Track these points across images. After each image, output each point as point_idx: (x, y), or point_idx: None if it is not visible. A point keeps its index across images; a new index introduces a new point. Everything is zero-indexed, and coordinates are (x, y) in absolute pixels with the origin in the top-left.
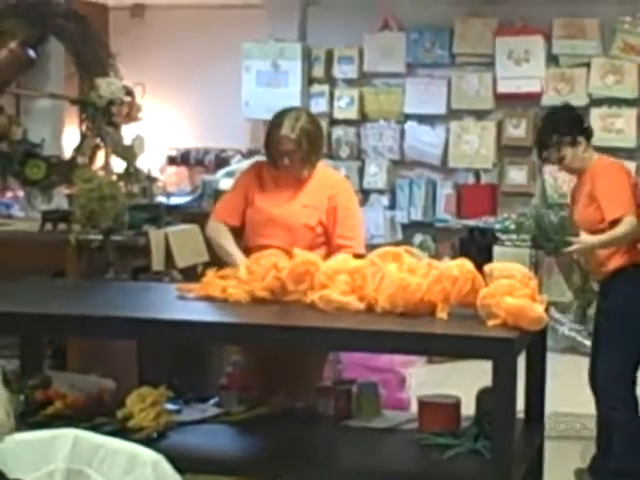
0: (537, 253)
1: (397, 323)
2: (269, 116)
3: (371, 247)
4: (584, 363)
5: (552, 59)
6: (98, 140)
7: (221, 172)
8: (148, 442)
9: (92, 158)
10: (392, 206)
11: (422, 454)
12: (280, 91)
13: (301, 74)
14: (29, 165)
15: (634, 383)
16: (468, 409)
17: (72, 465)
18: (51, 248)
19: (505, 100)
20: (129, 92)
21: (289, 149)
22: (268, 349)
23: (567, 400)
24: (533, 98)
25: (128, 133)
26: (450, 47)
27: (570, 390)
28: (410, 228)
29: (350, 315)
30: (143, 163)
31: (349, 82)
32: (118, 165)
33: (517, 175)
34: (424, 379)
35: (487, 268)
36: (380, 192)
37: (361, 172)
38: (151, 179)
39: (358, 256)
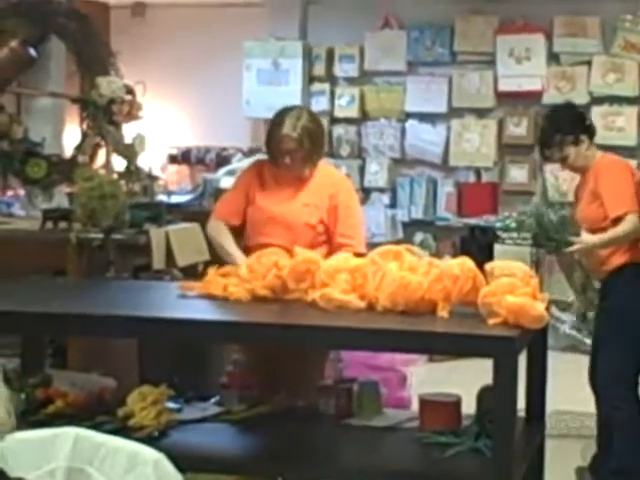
0: (538, 251)
1: (398, 322)
2: (270, 114)
3: (372, 246)
4: (585, 362)
5: (553, 57)
6: (99, 139)
7: (222, 171)
8: (149, 441)
9: (93, 157)
10: (393, 204)
11: (423, 453)
12: (281, 89)
13: (302, 72)
14: (30, 164)
15: (636, 383)
16: (469, 408)
17: (73, 464)
18: (52, 247)
19: (506, 98)
20: (130, 91)
21: (290, 148)
22: (269, 348)
23: (568, 399)
24: (534, 96)
25: (129, 132)
26: (451, 45)
27: (571, 389)
28: (411, 227)
29: (351, 314)
30: (144, 162)
31: (350, 80)
32: (119, 164)
33: (518, 173)
34: (425, 377)
35: (488, 266)
36: (381, 190)
37: (362, 170)
38: (152, 178)
39: (359, 255)
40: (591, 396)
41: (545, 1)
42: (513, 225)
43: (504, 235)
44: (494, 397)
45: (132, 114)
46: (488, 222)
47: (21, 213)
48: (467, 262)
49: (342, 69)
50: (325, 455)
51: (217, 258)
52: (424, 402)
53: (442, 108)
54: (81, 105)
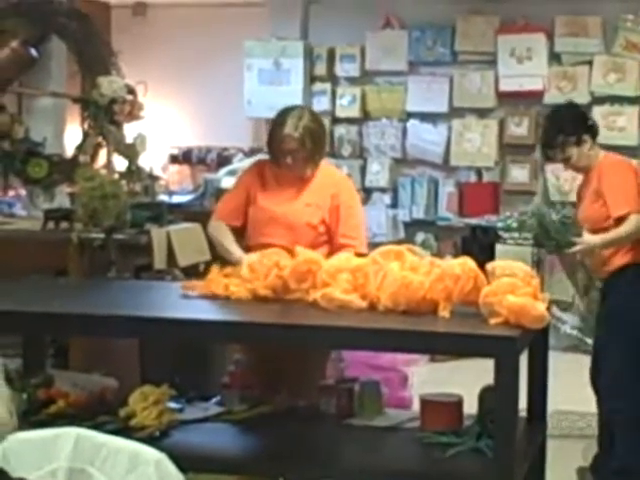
0: (539, 251)
1: (399, 321)
2: (271, 114)
3: (373, 245)
4: (586, 361)
5: (554, 57)
6: (100, 139)
7: (223, 171)
8: (150, 441)
9: (94, 157)
10: (394, 204)
11: (424, 453)
12: (282, 89)
13: (303, 72)
14: (31, 164)
15: (637, 383)
16: (470, 408)
17: (74, 464)
18: (53, 247)
19: (507, 98)
20: (131, 90)
21: (292, 148)
22: (270, 348)
23: (569, 398)
24: (535, 96)
25: (130, 131)
26: (452, 45)
27: (572, 388)
28: (412, 226)
29: (352, 313)
30: (145, 161)
31: (351, 80)
32: (120, 164)
33: (519, 173)
34: (426, 377)
35: (489, 266)
36: (382, 190)
37: (363, 170)
38: (153, 178)
39: (360, 255)
40: (592, 396)
41: (546, 1)
42: (514, 225)
43: (505, 235)
44: (495, 397)
45: (133, 114)
46: (489, 222)
47: (22, 213)
48: (468, 262)
49: (343, 69)
50: (326, 455)
51: (218, 258)
52: (425, 402)
53: (443, 108)
54: (82, 105)
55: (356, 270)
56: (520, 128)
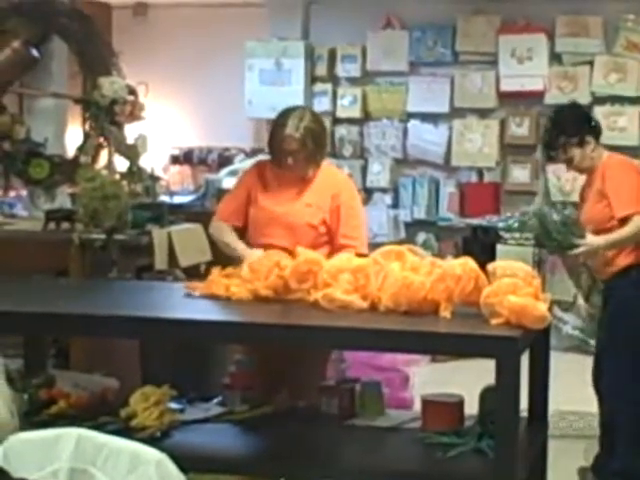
0: (540, 252)
1: (400, 322)
2: (272, 115)
3: (374, 246)
4: (587, 362)
5: (555, 57)
6: (101, 139)
7: (224, 171)
8: (151, 441)
9: (95, 157)
10: (395, 205)
11: (425, 453)
12: (283, 90)
13: (304, 73)
14: (32, 164)
15: (638, 383)
16: (471, 408)
17: (76, 464)
18: (54, 247)
19: (508, 98)
20: (132, 91)
21: (293, 148)
22: (271, 348)
23: (570, 399)
24: (536, 96)
25: (131, 132)
26: (453, 45)
27: (573, 389)
28: (413, 227)
29: (353, 314)
30: (146, 162)
31: (352, 81)
32: (121, 164)
33: (520, 174)
34: (427, 378)
35: (490, 267)
36: (383, 191)
37: (364, 171)
38: (154, 178)
39: (361, 255)
40: (593, 396)
41: (547, 1)
42: (515, 225)
43: (506, 235)
44: (497, 397)
45: (134, 114)
46: (490, 222)
47: (24, 214)
48: (469, 262)
49: (344, 69)
50: (328, 455)
51: (219, 258)
52: (427, 402)
53: (444, 108)
54: (83, 105)
55: (357, 270)
56: (521, 128)
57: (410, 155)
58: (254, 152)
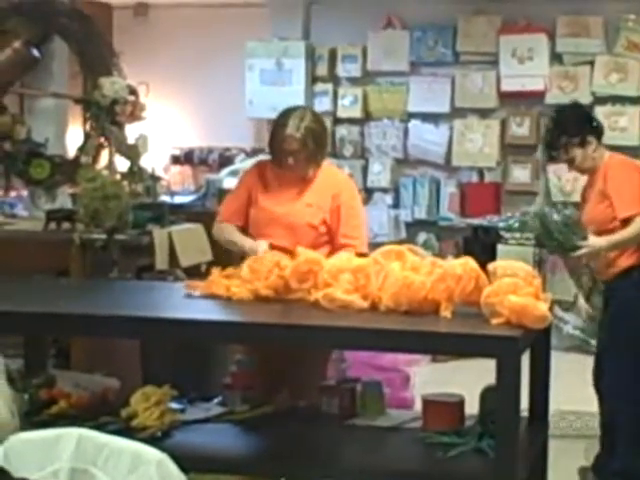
0: (541, 251)
1: (401, 322)
2: (273, 115)
3: (375, 246)
4: (588, 362)
5: (556, 57)
6: (102, 139)
7: (225, 171)
8: (152, 441)
9: (96, 157)
10: (396, 205)
11: (426, 453)
12: (284, 90)
13: (305, 73)
14: (33, 164)
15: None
16: (472, 408)
17: (77, 464)
18: (55, 247)
19: (509, 98)
20: (133, 91)
21: (294, 148)
22: (272, 348)
23: (571, 398)
24: (537, 96)
25: (132, 132)
26: (454, 45)
27: (574, 388)
28: (414, 227)
29: (354, 314)
30: (147, 162)
31: (353, 81)
32: (122, 164)
33: (521, 174)
34: (428, 378)
35: (491, 266)
36: (384, 191)
37: (365, 171)
38: (155, 178)
39: (361, 255)
40: (594, 396)
41: (548, 1)
42: (516, 225)
43: (507, 235)
44: (497, 397)
45: (135, 115)
46: (491, 222)
47: (24, 214)
48: (470, 262)
49: (345, 69)
50: (328, 455)
51: (220, 258)
52: (427, 402)
53: (445, 108)
54: (84, 106)
55: (357, 270)
56: (522, 128)
57: (411, 155)
58: (255, 152)
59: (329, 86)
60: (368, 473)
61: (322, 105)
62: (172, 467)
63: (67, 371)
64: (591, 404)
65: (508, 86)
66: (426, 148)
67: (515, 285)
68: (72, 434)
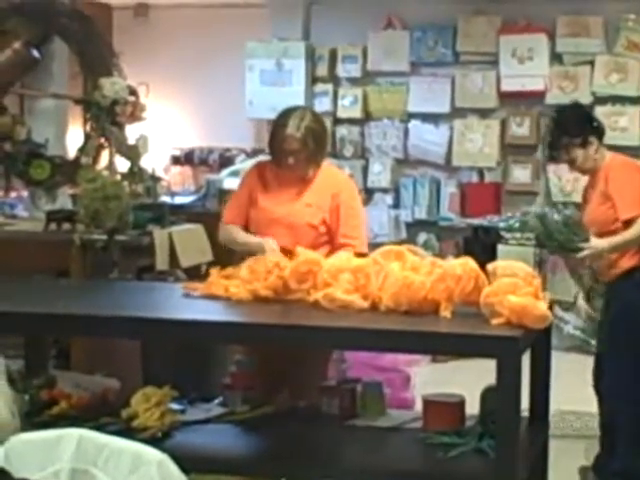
0: (541, 252)
1: (401, 322)
2: (273, 115)
3: (375, 246)
4: (589, 362)
5: (556, 57)
6: (102, 140)
7: (225, 171)
8: (153, 442)
9: (96, 158)
10: (396, 205)
11: (426, 453)
12: (284, 90)
13: (305, 73)
14: (33, 165)
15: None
16: (472, 408)
17: (77, 465)
18: (55, 248)
19: (509, 98)
20: (133, 92)
21: (294, 148)
22: (272, 348)
23: (572, 399)
24: (537, 96)
25: (132, 133)
26: (454, 45)
27: (575, 389)
28: (414, 227)
29: (354, 314)
30: (147, 163)
31: (353, 81)
32: (122, 165)
33: (521, 174)
34: (428, 378)
35: (490, 266)
36: (384, 191)
37: (365, 171)
38: (155, 179)
39: (360, 255)
40: (594, 396)
41: (548, 1)
42: (516, 225)
43: (507, 235)
44: (498, 397)
45: (135, 115)
46: (491, 222)
47: (24, 214)
48: (469, 262)
49: (345, 69)
50: (329, 455)
51: (220, 259)
52: (428, 402)
53: (445, 108)
54: (84, 106)
55: (357, 270)
56: (522, 128)
57: (411, 155)
58: (255, 152)
59: (329, 86)
60: (368, 473)
61: (322, 105)
62: (173, 467)
63: (67, 372)
64: (591, 404)
65: (508, 86)
66: (426, 148)
67: (514, 285)
68: (73, 435)
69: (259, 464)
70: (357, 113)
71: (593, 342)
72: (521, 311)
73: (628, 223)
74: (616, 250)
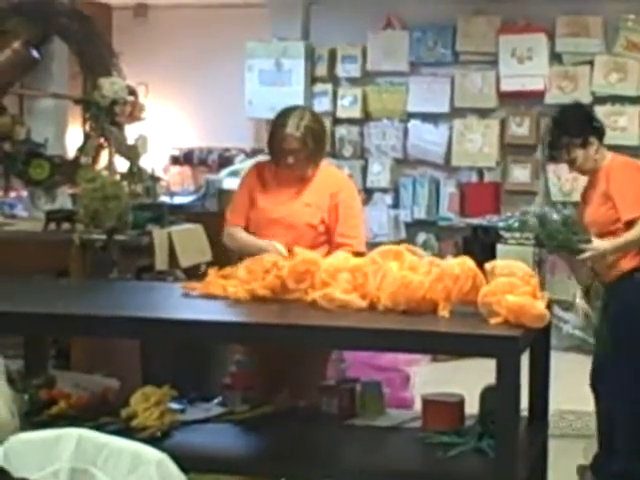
0: (540, 251)
1: (400, 321)
2: (272, 115)
3: (374, 246)
4: (588, 361)
5: (555, 57)
6: (101, 140)
7: (224, 171)
8: (152, 441)
9: (95, 158)
10: (395, 205)
11: (426, 453)
12: (283, 90)
13: (304, 73)
14: (33, 165)
15: (637, 383)
16: (472, 407)
17: (77, 464)
18: (55, 248)
19: (508, 98)
20: (132, 92)
21: (294, 148)
22: (271, 348)
23: (571, 398)
24: (536, 96)
25: (131, 133)
26: (453, 45)
27: (574, 388)
28: (413, 227)
29: (352, 313)
30: (146, 163)
31: (352, 81)
32: (121, 165)
33: (520, 173)
34: (428, 377)
35: (489, 266)
36: (383, 191)
37: (364, 171)
38: (154, 179)
39: (358, 254)
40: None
41: (547, 1)
42: (516, 225)
43: (507, 235)
44: (497, 397)
45: (134, 115)
46: (491, 222)
47: (24, 214)
48: (467, 261)
49: (344, 69)
50: (328, 455)
51: (220, 259)
52: (427, 402)
53: (444, 108)
54: (84, 106)
55: (355, 270)
56: (521, 128)
57: (410, 155)
58: (254, 152)
59: (329, 86)
60: (368, 473)
61: (321, 105)
62: (172, 467)
63: (67, 371)
64: (591, 404)
65: (508, 86)
66: (426, 148)
67: (512, 284)
68: (72, 434)
69: (259, 464)
70: (356, 113)
71: (592, 341)
72: (519, 310)
73: (630, 224)
74: (618, 251)
